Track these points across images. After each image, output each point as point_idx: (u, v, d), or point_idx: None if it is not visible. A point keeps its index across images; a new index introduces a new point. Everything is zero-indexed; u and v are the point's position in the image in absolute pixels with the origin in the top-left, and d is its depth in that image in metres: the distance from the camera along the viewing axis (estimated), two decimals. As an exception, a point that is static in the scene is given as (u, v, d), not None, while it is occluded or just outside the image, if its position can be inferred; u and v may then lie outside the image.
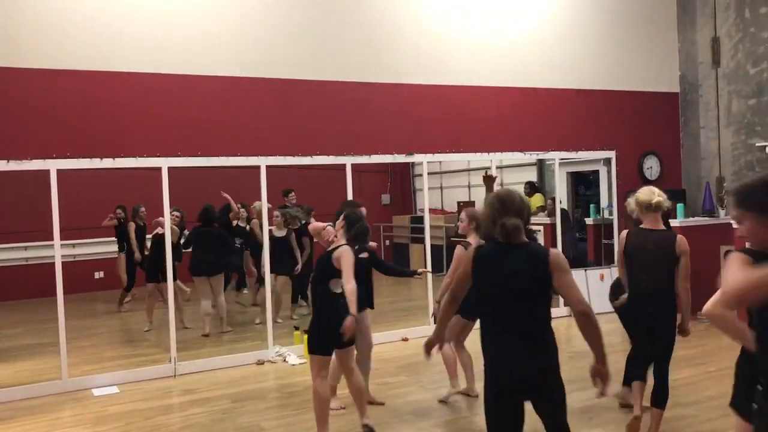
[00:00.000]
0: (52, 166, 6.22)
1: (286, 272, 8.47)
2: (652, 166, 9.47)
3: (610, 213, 9.36)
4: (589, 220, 9.57)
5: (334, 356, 4.63)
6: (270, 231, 8.25)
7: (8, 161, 6.08)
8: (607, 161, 9.36)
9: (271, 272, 7.56)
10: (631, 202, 4.64)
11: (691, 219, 8.63)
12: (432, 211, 8.67)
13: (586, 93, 9.00)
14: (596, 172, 10.15)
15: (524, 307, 3.01)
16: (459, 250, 5.20)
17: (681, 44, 9.66)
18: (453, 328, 5.25)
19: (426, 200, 8.33)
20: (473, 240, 5.15)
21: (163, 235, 7.67)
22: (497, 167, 8.58)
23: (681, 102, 9.70)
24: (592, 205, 9.74)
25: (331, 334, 4.37)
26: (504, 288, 3.02)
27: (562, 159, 9.06)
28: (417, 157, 8.06)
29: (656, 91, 9.50)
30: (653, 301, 4.35)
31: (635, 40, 9.35)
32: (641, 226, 4.47)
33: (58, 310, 6.29)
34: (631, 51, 9.32)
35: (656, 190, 4.46)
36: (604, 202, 9.59)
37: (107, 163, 6.45)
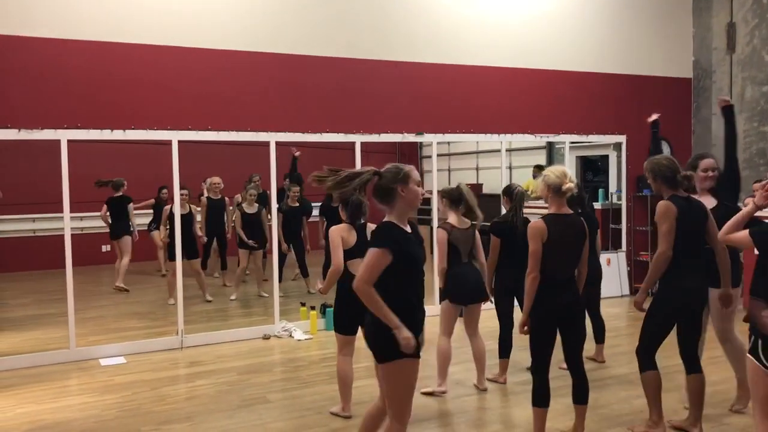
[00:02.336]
0: (63, 136, 6.23)
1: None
2: (662, 153, 9.38)
3: (619, 198, 9.34)
4: (597, 205, 9.53)
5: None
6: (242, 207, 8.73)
7: (19, 130, 6.09)
8: (617, 146, 9.32)
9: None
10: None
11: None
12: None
13: (597, 76, 8.95)
14: (604, 158, 10.10)
15: None
16: (440, 233, 5.16)
17: (696, 29, 9.58)
18: (450, 321, 5.27)
19: (434, 181, 8.31)
20: (453, 219, 5.17)
21: (188, 214, 8.00)
22: (507, 150, 8.55)
23: (693, 88, 9.63)
24: (600, 190, 9.71)
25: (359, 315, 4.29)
26: None
27: (572, 142, 9.02)
28: (427, 137, 8.03)
29: (668, 76, 9.43)
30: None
31: (649, 23, 9.27)
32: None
33: (67, 281, 6.33)
34: (645, 35, 9.24)
35: (568, 172, 4.14)
36: (612, 187, 9.56)
37: (118, 134, 6.45)
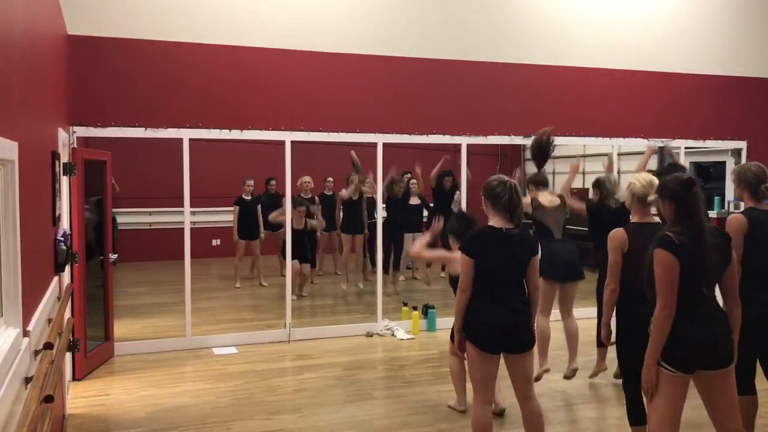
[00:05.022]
0: (185, 135, 6.55)
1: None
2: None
3: (736, 207, 8.88)
4: (713, 213, 9.12)
5: None
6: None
7: (146, 129, 6.45)
8: (735, 152, 8.86)
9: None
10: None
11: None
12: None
13: (718, 78, 8.53)
14: (719, 165, 9.65)
15: None
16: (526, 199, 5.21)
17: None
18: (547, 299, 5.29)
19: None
20: (542, 198, 5.43)
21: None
22: (618, 154, 8.30)
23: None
24: (716, 198, 9.28)
25: None
26: None
27: (687, 148, 8.66)
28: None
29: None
30: None
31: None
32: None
33: (185, 272, 6.64)
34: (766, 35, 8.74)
35: (656, 182, 3.83)
36: (730, 195, 9.10)
37: (236, 134, 6.73)
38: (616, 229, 3.79)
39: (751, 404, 4.06)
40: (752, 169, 4.01)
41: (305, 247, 8.74)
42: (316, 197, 9.76)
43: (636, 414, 3.96)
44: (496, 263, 3.67)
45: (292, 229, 8.03)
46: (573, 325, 5.45)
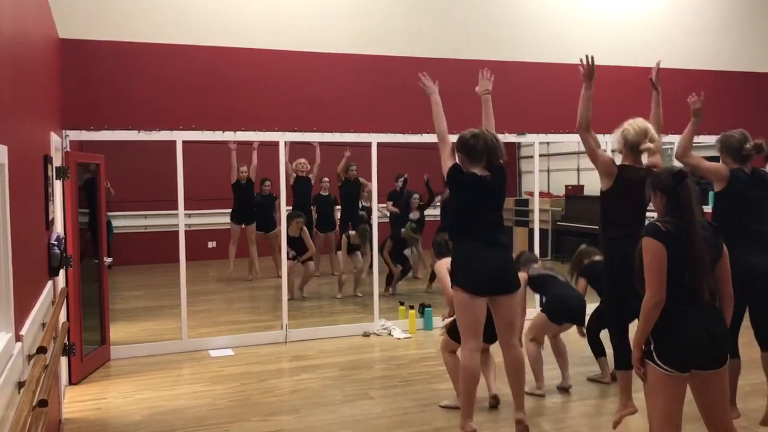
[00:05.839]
0: (178, 137, 6.54)
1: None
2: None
3: (731, 201, 8.89)
4: (707, 208, 9.09)
5: None
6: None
7: (139, 131, 6.43)
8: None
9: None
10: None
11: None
12: (539, 194, 8.54)
13: (710, 74, 8.54)
14: (714, 159, 9.62)
15: None
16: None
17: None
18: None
19: (536, 181, 8.23)
20: None
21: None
22: (612, 150, 8.30)
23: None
24: (711, 193, 9.24)
25: None
26: None
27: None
28: (529, 137, 7.93)
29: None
30: None
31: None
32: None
33: (181, 275, 6.63)
34: (764, 30, 8.76)
35: (650, 131, 4.19)
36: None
37: (229, 135, 6.72)
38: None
39: (734, 368, 4.10)
40: (735, 135, 4.42)
41: (304, 246, 8.74)
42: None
43: (624, 357, 4.04)
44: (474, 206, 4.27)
45: (288, 236, 8.06)
46: (561, 344, 5.55)
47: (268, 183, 10.10)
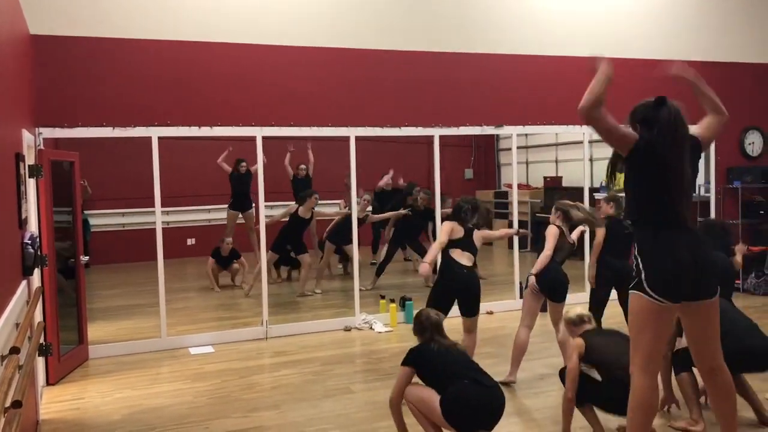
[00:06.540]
0: (154, 133, 6.47)
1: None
2: (754, 142, 9.04)
3: (707, 191, 9.00)
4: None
5: None
6: None
7: (114, 128, 6.36)
8: (705, 136, 8.96)
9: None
10: None
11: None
12: (517, 186, 8.57)
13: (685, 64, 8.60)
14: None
15: None
16: (552, 228, 5.47)
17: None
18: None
19: (514, 174, 8.25)
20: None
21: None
22: (589, 141, 8.37)
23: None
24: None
25: None
26: None
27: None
28: (506, 129, 7.95)
29: (761, 63, 9.01)
30: None
31: (739, 8, 8.87)
32: None
33: (159, 273, 6.57)
34: (734, 21, 8.85)
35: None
36: (700, 179, 9.21)
37: (205, 131, 6.66)
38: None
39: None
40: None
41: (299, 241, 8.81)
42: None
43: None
44: None
45: (286, 228, 8.51)
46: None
47: (243, 164, 9.96)
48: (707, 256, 3.25)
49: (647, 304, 3.18)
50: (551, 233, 5.43)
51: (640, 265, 3.22)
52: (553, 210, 5.64)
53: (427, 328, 4.01)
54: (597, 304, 5.84)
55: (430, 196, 9.15)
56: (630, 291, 3.31)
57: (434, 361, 3.88)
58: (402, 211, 9.42)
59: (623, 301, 5.74)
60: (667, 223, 3.22)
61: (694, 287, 3.19)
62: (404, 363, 3.97)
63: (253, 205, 9.76)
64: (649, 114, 3.24)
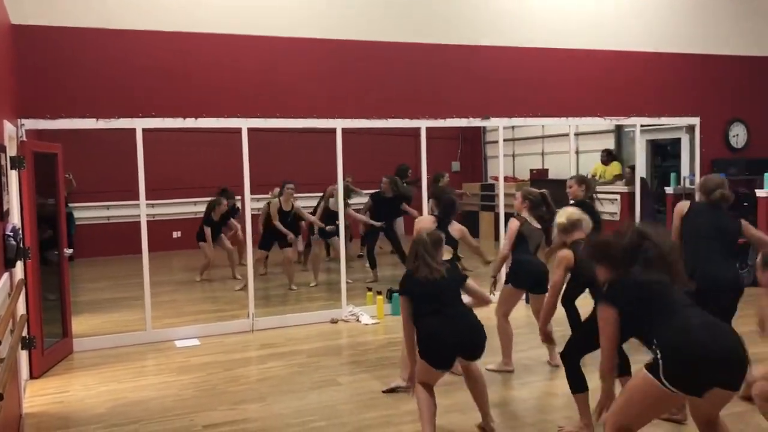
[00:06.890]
0: (138, 124, 6.42)
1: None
2: (738, 134, 9.09)
3: (692, 183, 9.04)
4: (669, 190, 9.28)
5: None
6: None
7: (97, 120, 6.30)
8: (690, 128, 9.02)
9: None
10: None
11: (777, 190, 8.26)
12: (504, 178, 8.58)
13: (669, 56, 8.65)
14: (675, 143, 9.83)
15: None
16: (514, 222, 5.41)
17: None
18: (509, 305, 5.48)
19: (501, 166, 8.26)
20: (527, 217, 5.41)
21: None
22: (575, 134, 8.39)
23: (773, 67, 9.23)
24: (672, 174, 9.44)
25: None
26: None
27: (643, 125, 8.79)
28: (493, 121, 7.95)
29: (745, 55, 9.06)
30: None
31: (725, 0, 8.92)
32: None
33: (143, 265, 6.53)
34: (719, 13, 8.89)
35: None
36: (685, 171, 9.27)
37: (190, 122, 6.60)
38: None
39: None
40: (714, 179, 4.99)
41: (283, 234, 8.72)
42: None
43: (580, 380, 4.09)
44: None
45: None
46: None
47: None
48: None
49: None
50: (511, 229, 5.37)
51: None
52: (520, 196, 5.47)
53: (415, 256, 4.04)
54: (569, 299, 5.69)
55: (392, 182, 9.27)
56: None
57: (413, 291, 3.97)
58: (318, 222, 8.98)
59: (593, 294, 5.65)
60: None
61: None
62: (399, 292, 4.13)
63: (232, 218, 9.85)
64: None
